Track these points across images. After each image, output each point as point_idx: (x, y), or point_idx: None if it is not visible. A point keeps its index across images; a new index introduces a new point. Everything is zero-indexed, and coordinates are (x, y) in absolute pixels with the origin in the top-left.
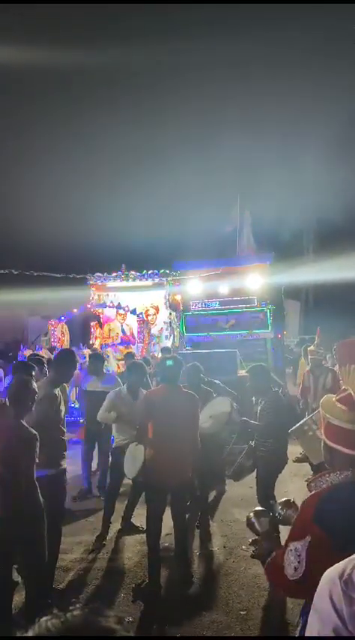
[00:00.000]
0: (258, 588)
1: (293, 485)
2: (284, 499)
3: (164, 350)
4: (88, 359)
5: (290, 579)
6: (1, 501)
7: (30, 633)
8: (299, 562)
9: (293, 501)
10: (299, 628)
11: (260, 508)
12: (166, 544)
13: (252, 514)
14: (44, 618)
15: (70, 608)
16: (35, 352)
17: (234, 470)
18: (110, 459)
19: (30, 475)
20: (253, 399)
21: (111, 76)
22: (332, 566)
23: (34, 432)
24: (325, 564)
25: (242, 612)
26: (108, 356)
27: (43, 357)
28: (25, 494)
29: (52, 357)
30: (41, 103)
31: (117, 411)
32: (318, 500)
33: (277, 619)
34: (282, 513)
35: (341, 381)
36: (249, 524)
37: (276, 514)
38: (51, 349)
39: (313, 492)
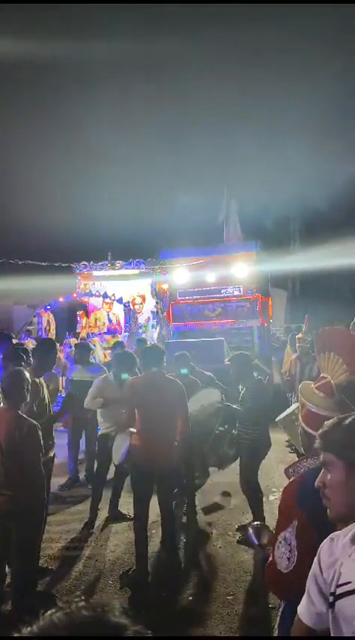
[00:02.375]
0: (244, 573)
1: (279, 472)
2: (256, 523)
3: (140, 341)
4: (74, 348)
5: (286, 572)
6: (8, 495)
7: (34, 628)
8: (290, 551)
9: (265, 525)
10: (281, 610)
11: (258, 523)
12: (153, 531)
13: (251, 529)
14: (49, 612)
15: (76, 600)
16: (19, 342)
17: (218, 458)
18: (96, 446)
19: (36, 466)
20: (239, 386)
21: (98, 65)
22: (317, 548)
23: (34, 421)
24: (311, 547)
25: (228, 597)
26: (94, 345)
27: (26, 346)
28: (32, 488)
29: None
30: (25, 90)
31: (104, 397)
32: (298, 485)
33: (262, 603)
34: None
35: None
36: (246, 541)
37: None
38: (37, 339)
39: (292, 479)
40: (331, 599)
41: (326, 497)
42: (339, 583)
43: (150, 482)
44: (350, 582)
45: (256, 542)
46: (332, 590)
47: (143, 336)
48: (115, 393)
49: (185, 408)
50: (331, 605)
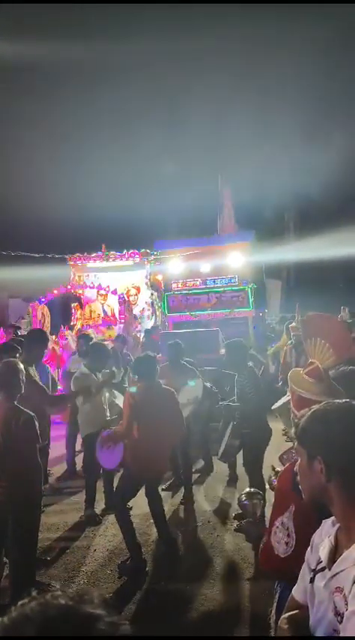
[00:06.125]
0: (241, 561)
1: (276, 461)
2: (247, 489)
3: (147, 332)
4: (70, 340)
5: (283, 557)
6: (5, 486)
7: (5, 619)
8: (288, 535)
9: (256, 490)
10: (276, 596)
11: (251, 490)
12: (151, 521)
13: (243, 495)
14: (21, 602)
15: (51, 589)
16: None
17: (224, 452)
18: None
19: (32, 458)
20: (234, 374)
21: (90, 56)
22: (314, 531)
23: (31, 413)
24: (308, 530)
25: (226, 585)
26: (92, 337)
27: (21, 339)
28: (29, 479)
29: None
30: (19, 83)
31: (88, 390)
32: (293, 470)
33: (259, 590)
34: (247, 503)
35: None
36: (241, 506)
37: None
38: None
39: (286, 465)
40: (311, 574)
41: (299, 481)
42: (319, 561)
43: (138, 486)
44: (322, 561)
45: (251, 510)
46: (313, 567)
47: (137, 330)
48: (96, 385)
49: (180, 416)
50: (311, 581)
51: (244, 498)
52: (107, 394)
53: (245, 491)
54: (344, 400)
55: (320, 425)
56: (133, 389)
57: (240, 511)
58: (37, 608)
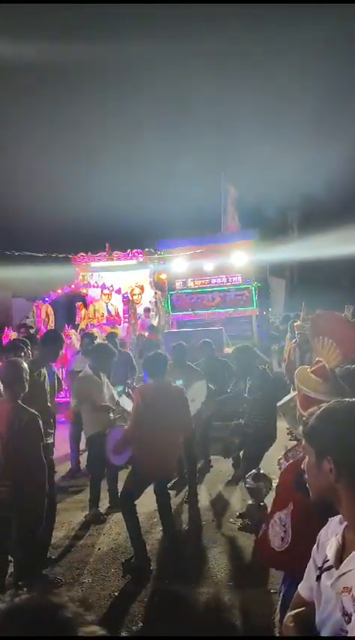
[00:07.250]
0: (245, 559)
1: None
2: (253, 471)
3: (151, 329)
4: (74, 339)
5: (278, 551)
6: (9, 485)
7: None
8: (285, 531)
9: (263, 473)
10: (281, 594)
11: (256, 472)
12: (155, 519)
13: (249, 478)
14: None
15: (18, 592)
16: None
17: (223, 447)
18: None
19: (37, 457)
20: (247, 380)
21: (96, 57)
22: (314, 530)
23: (35, 411)
24: (308, 529)
25: (229, 584)
26: (96, 336)
27: (26, 339)
28: (32, 478)
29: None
30: (24, 86)
31: (91, 397)
32: (296, 467)
33: (263, 589)
34: (253, 485)
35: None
36: (247, 489)
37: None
38: (35, 331)
39: (290, 462)
40: (318, 572)
41: (307, 480)
42: (326, 559)
43: (147, 484)
44: (329, 559)
45: (253, 488)
46: (319, 565)
47: (141, 332)
48: (100, 389)
49: (187, 413)
50: (318, 579)
51: (249, 481)
52: (114, 393)
53: (250, 474)
54: (353, 399)
55: (329, 424)
56: (141, 386)
57: (244, 510)
58: (9, 604)
